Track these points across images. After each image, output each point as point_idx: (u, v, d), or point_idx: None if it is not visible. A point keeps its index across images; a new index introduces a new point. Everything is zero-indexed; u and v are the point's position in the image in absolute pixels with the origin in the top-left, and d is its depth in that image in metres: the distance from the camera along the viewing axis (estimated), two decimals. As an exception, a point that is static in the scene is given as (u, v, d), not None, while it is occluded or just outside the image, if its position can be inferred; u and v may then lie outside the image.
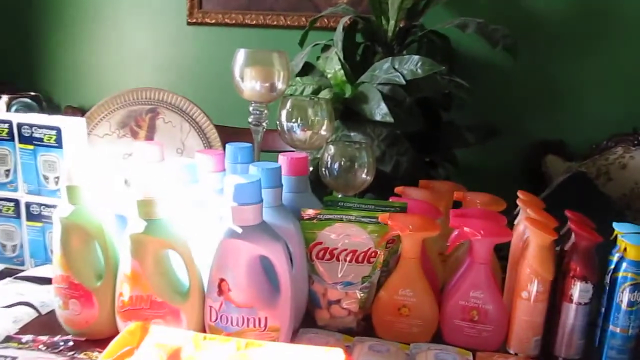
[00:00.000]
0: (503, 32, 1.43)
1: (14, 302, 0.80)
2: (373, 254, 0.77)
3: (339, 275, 0.77)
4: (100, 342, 0.69)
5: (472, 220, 0.77)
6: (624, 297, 0.72)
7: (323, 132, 0.96)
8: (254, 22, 1.90)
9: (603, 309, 0.75)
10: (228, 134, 1.14)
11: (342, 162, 0.93)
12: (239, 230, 0.65)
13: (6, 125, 0.89)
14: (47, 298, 0.82)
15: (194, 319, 0.68)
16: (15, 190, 0.92)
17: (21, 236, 0.93)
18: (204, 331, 0.69)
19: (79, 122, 0.90)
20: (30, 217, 0.92)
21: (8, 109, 1.79)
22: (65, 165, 0.71)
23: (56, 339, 0.72)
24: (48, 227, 0.91)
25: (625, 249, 0.72)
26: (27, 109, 1.82)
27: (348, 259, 0.77)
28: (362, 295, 0.78)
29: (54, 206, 0.90)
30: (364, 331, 0.79)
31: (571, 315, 0.75)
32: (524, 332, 0.75)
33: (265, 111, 0.96)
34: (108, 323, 0.72)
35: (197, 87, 1.96)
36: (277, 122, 0.95)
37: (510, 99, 1.86)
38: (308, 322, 0.79)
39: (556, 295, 0.76)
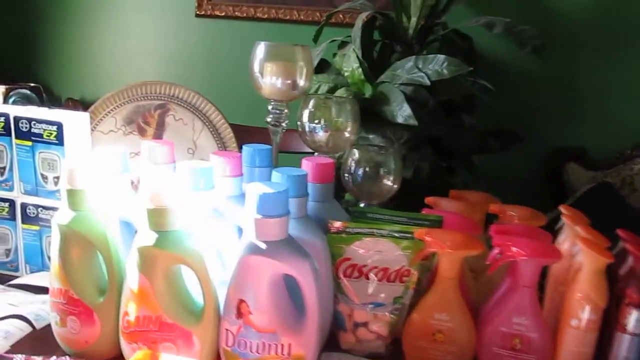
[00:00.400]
0: (531, 33, 1.35)
1: (6, 314, 0.73)
2: (406, 273, 0.70)
3: (368, 295, 0.70)
4: (102, 366, 0.62)
5: (516, 238, 0.69)
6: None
7: (347, 135, 0.89)
8: (266, 15, 1.82)
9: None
10: (238, 134, 1.06)
11: (367, 168, 0.86)
12: (263, 246, 0.57)
13: (2, 119, 0.81)
14: (43, 310, 0.74)
15: (208, 343, 0.60)
16: (11, 189, 0.84)
17: (16, 240, 0.85)
18: (219, 357, 0.61)
19: (82, 117, 0.82)
20: (27, 219, 0.84)
21: (5, 100, 1.70)
22: (67, 165, 0.63)
23: (52, 359, 0.65)
24: (45, 231, 0.84)
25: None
26: (26, 101, 1.73)
27: (378, 277, 0.69)
28: (392, 317, 0.70)
29: (52, 208, 0.83)
30: (393, 357, 0.72)
31: (624, 346, 0.67)
32: (573, 364, 0.68)
33: (286, 110, 0.89)
34: (110, 344, 0.64)
35: (205, 82, 1.88)
36: (298, 123, 0.88)
37: (528, 102, 1.78)
38: (331, 344, 0.72)
39: (607, 324, 0.69)
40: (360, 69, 1.34)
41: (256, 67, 0.86)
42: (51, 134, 0.80)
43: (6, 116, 0.81)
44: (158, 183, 0.58)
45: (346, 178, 0.87)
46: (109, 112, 0.96)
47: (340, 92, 1.36)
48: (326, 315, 0.69)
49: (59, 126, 0.80)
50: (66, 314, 0.64)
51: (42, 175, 0.82)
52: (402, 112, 1.16)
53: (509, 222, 0.81)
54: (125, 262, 0.63)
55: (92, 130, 0.94)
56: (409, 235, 0.69)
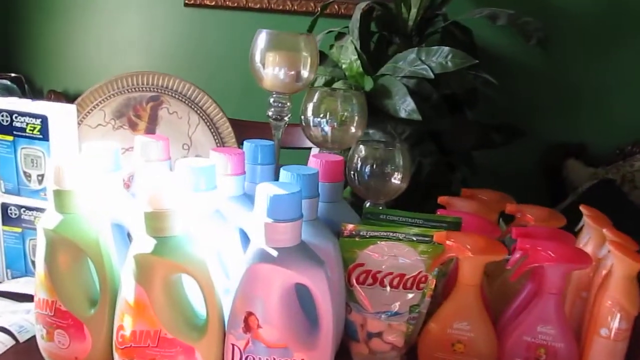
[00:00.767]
0: (535, 25, 1.30)
1: (-14, 326, 0.66)
2: (423, 279, 0.64)
3: (383, 303, 0.64)
4: (93, 385, 0.56)
5: (541, 241, 0.65)
6: None
7: (353, 130, 0.84)
8: (258, 5, 1.76)
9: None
10: (233, 128, 0.99)
11: (375, 166, 0.81)
12: (274, 253, 0.52)
13: (-20, 111, 0.75)
14: (27, 321, 0.68)
15: (212, 359, 0.55)
16: (-10, 188, 0.78)
17: (-4, 243, 0.79)
18: (224, 375, 0.56)
19: (68, 109, 0.75)
20: (8, 220, 0.78)
21: (-16, 91, 1.62)
22: (53, 163, 0.57)
23: (37, 377, 0.59)
24: (29, 234, 0.77)
25: None
26: (7, 92, 1.65)
27: (394, 284, 0.64)
28: (408, 327, 0.65)
29: (36, 209, 0.76)
30: (408, 369, 0.67)
31: (656, 357, 0.63)
32: (602, 376, 0.63)
33: (288, 104, 0.83)
34: (102, 360, 0.58)
35: (194, 74, 1.80)
36: (302, 117, 0.82)
37: (528, 97, 1.75)
38: (342, 356, 0.66)
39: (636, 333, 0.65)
40: (358, 61, 1.29)
41: (257, 57, 0.80)
42: (35, 127, 0.73)
43: (-15, 109, 0.75)
44: (157, 183, 0.52)
45: (352, 175, 0.82)
46: (97, 104, 0.89)
47: (338, 85, 1.31)
48: (338, 326, 0.64)
49: (44, 119, 0.73)
50: (53, 327, 0.58)
51: (24, 172, 0.76)
52: (405, 106, 1.11)
53: (526, 223, 0.76)
54: (119, 269, 0.57)
55: (78, 124, 0.88)
56: (427, 238, 0.63)
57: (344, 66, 1.33)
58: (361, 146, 0.82)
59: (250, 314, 0.53)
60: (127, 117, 0.90)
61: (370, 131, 1.20)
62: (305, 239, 0.56)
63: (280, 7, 1.75)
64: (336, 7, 1.68)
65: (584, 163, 1.68)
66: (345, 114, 0.82)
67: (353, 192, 0.86)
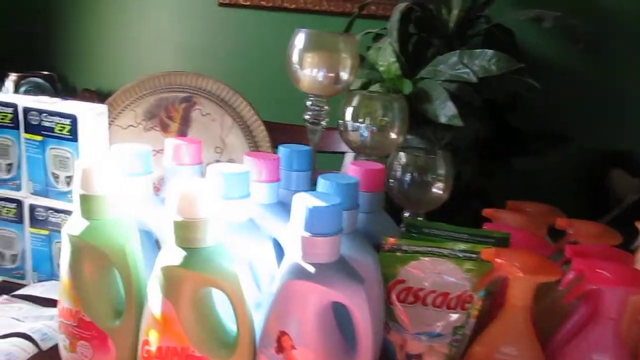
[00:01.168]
0: (584, 29, 1.24)
1: (9, 331, 0.64)
2: (468, 299, 0.60)
3: (424, 324, 0.60)
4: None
5: (598, 261, 0.59)
6: None
7: (393, 136, 0.80)
8: (294, 5, 1.73)
9: None
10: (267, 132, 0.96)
11: (416, 174, 0.77)
12: (311, 269, 0.48)
13: (10, 110, 0.73)
14: (50, 328, 0.65)
15: (241, 380, 0.51)
16: (18, 189, 0.76)
17: (23, 244, 0.77)
18: (254, 397, 0.52)
19: (99, 109, 0.73)
20: (35, 222, 0.76)
21: (16, 89, 1.61)
22: (81, 166, 0.54)
23: (59, 389, 0.56)
24: (56, 236, 0.75)
25: None
26: (39, 90, 1.64)
27: (437, 303, 0.60)
28: (451, 349, 0.61)
29: (64, 211, 0.74)
30: (448, 394, 0.62)
31: None
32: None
33: (326, 107, 0.79)
34: (127, 374, 0.55)
35: (227, 76, 1.78)
36: (340, 121, 0.78)
37: (571, 102, 1.67)
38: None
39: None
40: (397, 64, 1.24)
41: (295, 58, 0.76)
42: (64, 128, 0.71)
43: (14, 107, 0.73)
44: (188, 191, 0.49)
45: (391, 184, 0.78)
46: (128, 104, 0.86)
47: (375, 88, 1.27)
48: (376, 346, 0.60)
49: (73, 119, 0.71)
50: (76, 338, 0.56)
51: (53, 174, 0.73)
52: (446, 112, 1.06)
53: (578, 240, 0.71)
54: (146, 279, 0.54)
55: (109, 124, 0.85)
56: (474, 255, 0.59)
57: (381, 69, 1.29)
58: (401, 153, 0.78)
59: (283, 333, 0.49)
60: (159, 118, 0.87)
61: (409, 137, 1.15)
62: (344, 253, 0.52)
63: (317, 7, 1.71)
64: (373, 7, 1.64)
65: (630, 173, 1.60)
66: (386, 118, 0.78)
67: (387, 199, 0.82)
